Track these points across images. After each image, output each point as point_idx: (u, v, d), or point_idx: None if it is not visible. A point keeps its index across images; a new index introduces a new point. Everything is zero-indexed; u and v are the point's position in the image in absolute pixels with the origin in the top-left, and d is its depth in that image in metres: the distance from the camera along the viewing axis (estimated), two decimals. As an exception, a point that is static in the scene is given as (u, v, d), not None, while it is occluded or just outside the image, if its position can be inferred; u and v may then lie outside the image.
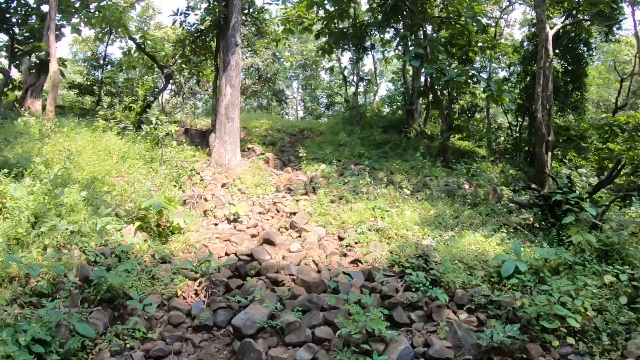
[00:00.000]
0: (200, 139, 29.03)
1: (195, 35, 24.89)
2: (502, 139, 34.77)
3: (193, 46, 25.83)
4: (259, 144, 27.65)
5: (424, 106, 32.87)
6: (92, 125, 21.47)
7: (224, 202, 17.17)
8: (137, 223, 13.35)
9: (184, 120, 32.87)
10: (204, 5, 24.62)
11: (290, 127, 32.65)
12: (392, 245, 13.50)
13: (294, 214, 15.97)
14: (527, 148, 30.87)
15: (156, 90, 32.88)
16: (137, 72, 36.02)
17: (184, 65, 28.82)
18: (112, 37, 37.05)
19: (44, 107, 27.33)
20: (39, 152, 16.34)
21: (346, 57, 43.64)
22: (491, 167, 25.67)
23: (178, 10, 24.38)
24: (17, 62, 29.42)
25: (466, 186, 20.59)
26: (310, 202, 17.06)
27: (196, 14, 24.90)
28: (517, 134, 32.55)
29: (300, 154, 23.41)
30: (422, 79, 31.96)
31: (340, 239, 14.46)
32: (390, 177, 21.07)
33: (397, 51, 41.08)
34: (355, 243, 13.93)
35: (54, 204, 12.55)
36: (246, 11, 26.12)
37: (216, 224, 15.63)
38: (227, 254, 13.34)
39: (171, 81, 31.56)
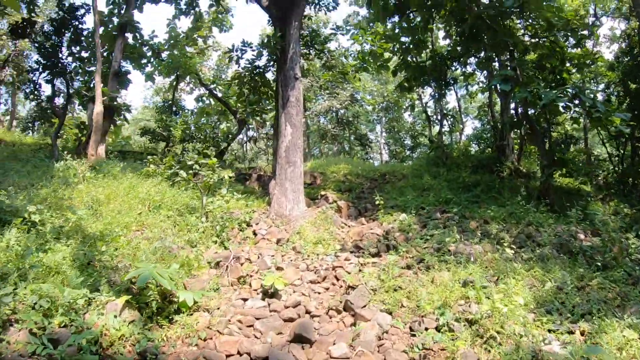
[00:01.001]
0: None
1: (253, 72, 21.32)
2: (605, 172, 29.22)
3: (252, 84, 22.28)
4: (333, 191, 23.78)
5: (516, 141, 28.06)
6: (140, 171, 18.08)
7: (268, 265, 13.31)
8: (124, 297, 9.63)
9: (261, 167, 29.16)
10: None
11: (370, 171, 28.52)
12: (494, 352, 8.79)
13: (353, 287, 11.77)
14: (636, 181, 25.40)
15: (230, 136, 29.82)
16: (211, 119, 33.20)
17: (256, 109, 25.34)
18: (188, 85, 34.52)
19: (109, 152, 25.12)
20: (62, 197, 13.92)
21: (427, 94, 39.22)
22: (602, 207, 20.54)
23: (234, 46, 21.00)
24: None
25: (581, 236, 15.71)
26: (378, 269, 12.74)
27: (253, 50, 21.47)
28: (621, 166, 26.97)
29: (377, 202, 19.18)
30: (513, 109, 27.36)
31: (412, 333, 9.91)
32: (484, 228, 16.56)
33: (481, 84, 36.86)
34: (434, 342, 9.21)
35: (28, 263, 9.61)
36: (308, 42, 22.37)
37: (245, 299, 11.67)
38: (239, 354, 9.37)
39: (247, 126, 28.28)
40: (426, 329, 9.68)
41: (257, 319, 10.52)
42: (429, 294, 10.76)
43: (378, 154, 53.01)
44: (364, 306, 10.79)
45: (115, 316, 9.11)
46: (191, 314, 10.24)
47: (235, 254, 13.62)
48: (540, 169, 21.49)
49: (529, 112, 21.31)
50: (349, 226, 18.01)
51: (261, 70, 21.83)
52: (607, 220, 17.82)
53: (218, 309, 10.87)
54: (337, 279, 12.80)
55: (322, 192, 22.91)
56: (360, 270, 12.90)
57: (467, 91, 38.73)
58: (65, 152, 22.03)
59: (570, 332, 9.37)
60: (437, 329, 9.69)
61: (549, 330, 9.36)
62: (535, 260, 13.09)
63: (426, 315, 10.03)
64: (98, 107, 20.46)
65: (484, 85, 35.96)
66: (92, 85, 26.11)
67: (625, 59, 27.05)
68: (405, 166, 31.15)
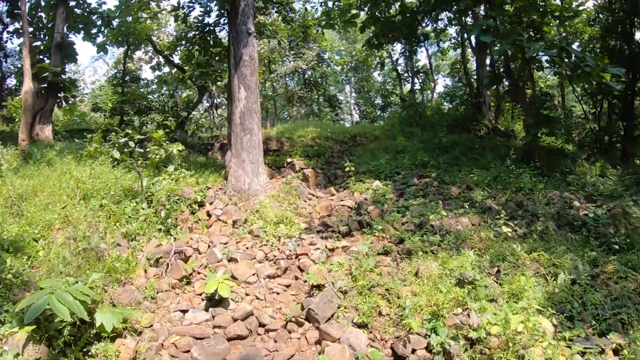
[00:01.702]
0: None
1: (203, 30, 18.52)
2: (580, 131, 26.99)
3: (202, 44, 19.50)
4: (301, 157, 21.28)
5: (492, 99, 25.69)
6: (79, 153, 15.35)
7: (219, 258, 10.96)
8: (27, 328, 7.01)
9: (225, 135, 26.48)
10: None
11: (340, 133, 25.91)
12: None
13: (317, 287, 9.23)
14: (612, 139, 23.29)
15: (191, 104, 27.03)
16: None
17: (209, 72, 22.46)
18: (147, 54, 31.50)
19: (56, 133, 22.23)
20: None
21: (397, 51, 36.49)
22: (588, 168, 18.32)
23: (179, 3, 18.12)
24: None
25: (576, 203, 13.46)
26: (349, 258, 10.17)
27: (201, 5, 18.56)
28: (597, 124, 24.79)
29: (347, 168, 16.75)
30: (489, 65, 24.96)
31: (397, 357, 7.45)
32: (467, 195, 14.32)
33: (453, 41, 34.38)
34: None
35: None
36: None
37: (185, 311, 9.05)
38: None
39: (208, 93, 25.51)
40: (413, 351, 7.20)
41: (198, 338, 8.08)
42: (415, 296, 8.30)
43: (349, 115, 50.26)
44: (331, 317, 8.27)
45: (17, 354, 6.63)
46: (114, 339, 7.78)
47: (177, 247, 11.07)
48: (524, 127, 19.12)
49: (511, 67, 18.88)
50: (317, 197, 15.63)
51: (211, 27, 19.02)
52: (596, 183, 15.68)
53: (151, 326, 8.41)
54: (301, 270, 10.43)
55: (289, 160, 20.43)
56: (327, 257, 10.59)
57: (438, 48, 36.11)
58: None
59: (602, 351, 7.05)
60: (429, 350, 7.24)
61: (579, 353, 6.94)
62: (535, 239, 10.77)
63: (412, 330, 7.46)
64: (26, 85, 17.59)
65: (456, 42, 33.63)
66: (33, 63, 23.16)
67: (605, 15, 24.77)
68: (377, 127, 28.57)
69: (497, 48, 18.65)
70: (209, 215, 13.64)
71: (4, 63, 28.79)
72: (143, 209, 12.34)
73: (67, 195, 11.99)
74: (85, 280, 8.11)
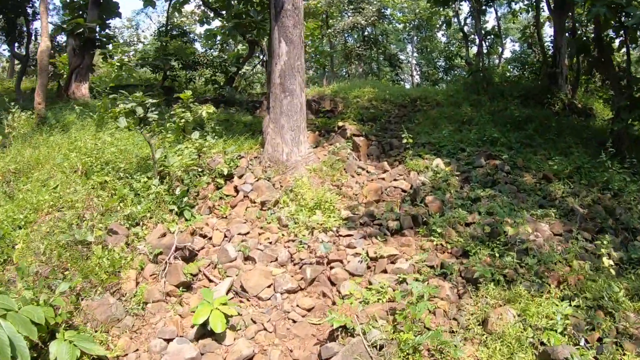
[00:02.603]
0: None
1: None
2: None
3: None
4: (354, 121, 18.54)
5: (570, 71, 22.26)
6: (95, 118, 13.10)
7: (232, 257, 8.65)
8: None
9: None
10: None
11: (399, 96, 23.00)
12: None
13: (347, 329, 6.43)
14: None
15: (240, 59, 24.45)
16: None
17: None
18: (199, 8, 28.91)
19: (96, 91, 20.21)
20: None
21: (465, 10, 32.86)
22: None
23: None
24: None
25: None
26: (394, 281, 7.62)
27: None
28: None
29: (404, 140, 14.02)
30: (570, 32, 21.47)
31: None
32: (544, 187, 11.60)
33: (526, 1, 30.53)
34: None
35: None
36: None
37: (169, 340, 6.64)
38: None
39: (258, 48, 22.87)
40: None
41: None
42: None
43: (409, 76, 46.84)
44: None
45: None
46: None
47: (179, 242, 8.70)
48: (613, 110, 15.84)
49: (602, 35, 15.63)
50: (367, 172, 13.02)
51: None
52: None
53: (125, 356, 6.10)
54: (332, 284, 7.94)
55: (340, 123, 17.76)
56: (368, 269, 8.11)
57: (509, 9, 32.31)
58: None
59: None
60: None
61: None
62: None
63: None
64: (43, 44, 15.34)
65: (530, 2, 29.87)
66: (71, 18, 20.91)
67: None
68: (440, 91, 25.43)
69: (583, 12, 15.43)
70: (237, 191, 11.24)
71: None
72: (154, 185, 9.98)
73: (62, 171, 9.74)
74: (49, 295, 5.84)
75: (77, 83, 20.21)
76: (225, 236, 9.53)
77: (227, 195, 11.22)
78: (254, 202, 10.69)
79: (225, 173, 11.38)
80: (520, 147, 14.53)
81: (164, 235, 8.92)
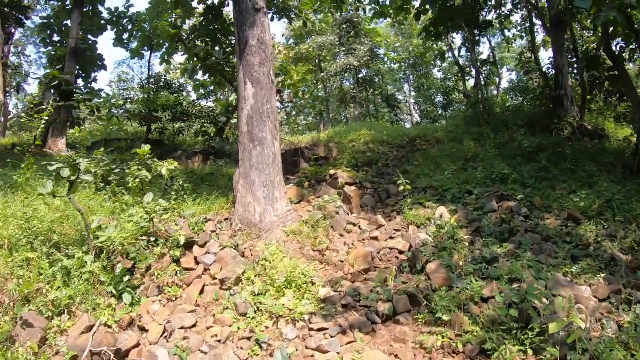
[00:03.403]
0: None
1: (209, 14, 13.85)
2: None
3: (208, 32, 14.81)
4: (347, 167, 16.24)
5: (575, 91, 19.90)
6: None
7: None
8: None
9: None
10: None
11: (397, 136, 20.73)
12: None
13: None
14: None
15: (230, 108, 22.44)
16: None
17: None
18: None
19: (71, 146, 18.18)
20: None
21: (457, 43, 30.74)
22: None
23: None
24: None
25: None
26: None
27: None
28: None
29: (401, 187, 11.65)
30: (572, 50, 19.26)
31: None
32: (575, 232, 9.08)
33: (519, 27, 28.52)
34: None
35: None
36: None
37: None
38: None
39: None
40: None
41: None
42: None
43: (408, 115, 44.63)
44: None
45: None
46: None
47: (94, 346, 6.25)
48: (637, 127, 13.40)
49: (611, 45, 13.36)
50: (358, 228, 10.62)
51: (215, 8, 14.19)
52: None
53: None
54: None
55: (331, 171, 15.46)
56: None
57: (503, 37, 30.29)
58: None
59: None
60: None
61: None
62: None
63: None
64: None
65: (523, 28, 27.82)
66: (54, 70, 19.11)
67: None
68: (439, 127, 23.09)
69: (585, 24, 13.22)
70: (197, 262, 8.89)
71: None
72: (88, 262, 7.65)
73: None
74: None
75: (54, 138, 18.41)
76: (165, 330, 7.14)
77: (185, 269, 8.87)
78: (215, 279, 8.34)
79: (182, 242, 9.02)
80: (535, 182, 12.11)
81: (89, 328, 6.57)
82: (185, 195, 11.18)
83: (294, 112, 41.94)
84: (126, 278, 7.78)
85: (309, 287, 7.69)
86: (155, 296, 8.10)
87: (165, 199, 10.23)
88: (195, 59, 17.08)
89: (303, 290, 7.61)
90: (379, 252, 9.01)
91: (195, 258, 8.95)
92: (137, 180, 9.95)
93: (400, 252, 8.95)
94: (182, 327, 7.10)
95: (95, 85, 20.98)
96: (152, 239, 8.99)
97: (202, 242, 9.38)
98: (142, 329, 7.24)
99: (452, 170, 13.76)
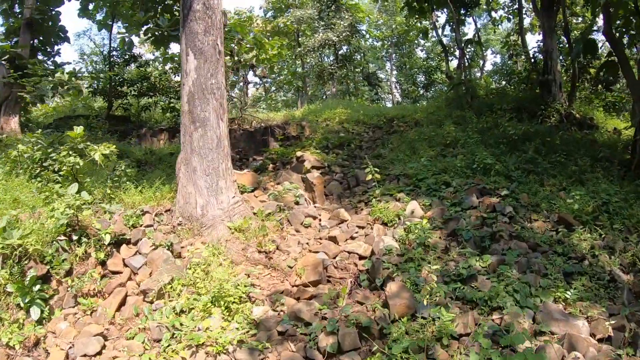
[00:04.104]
0: (245, 145, 16.88)
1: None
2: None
3: None
4: (317, 149, 14.52)
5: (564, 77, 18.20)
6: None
7: None
8: None
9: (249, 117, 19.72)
10: None
11: (375, 116, 19.01)
12: None
13: None
14: None
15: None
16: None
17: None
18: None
19: (25, 125, 16.28)
20: None
21: (442, 22, 28.73)
22: None
23: None
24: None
25: None
26: None
27: None
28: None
29: (368, 175, 9.89)
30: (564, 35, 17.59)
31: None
32: (568, 240, 7.46)
33: (507, 9, 26.63)
34: None
35: None
36: None
37: None
38: None
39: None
40: None
41: None
42: None
43: (389, 94, 42.65)
44: None
45: None
46: None
47: None
48: (636, 119, 11.70)
49: (612, 29, 11.67)
50: (319, 222, 8.94)
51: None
52: None
53: None
54: None
55: (298, 153, 13.73)
56: None
57: (489, 18, 28.40)
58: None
59: None
60: None
61: None
62: None
63: None
64: None
65: (511, 10, 25.98)
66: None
67: None
68: (419, 108, 21.28)
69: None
70: (125, 265, 7.19)
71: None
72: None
73: None
74: None
75: (6, 117, 16.24)
76: (68, 357, 5.49)
77: (113, 273, 7.17)
78: (138, 286, 6.70)
79: (107, 241, 7.27)
80: (522, 175, 10.46)
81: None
82: (127, 182, 9.40)
83: (273, 89, 39.91)
84: (37, 287, 6.08)
85: (242, 306, 5.97)
86: (71, 308, 6.48)
87: (104, 188, 8.53)
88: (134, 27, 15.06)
89: (235, 307, 5.89)
90: (335, 257, 7.30)
91: (124, 260, 7.26)
92: (66, 167, 8.18)
93: (361, 258, 7.27)
94: (85, 355, 5.44)
95: (58, 60, 18.65)
96: (75, 237, 7.25)
97: (135, 239, 7.67)
98: (47, 352, 5.62)
99: (429, 156, 12.10)
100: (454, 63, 27.03)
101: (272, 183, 10.75)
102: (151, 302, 6.39)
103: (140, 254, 7.40)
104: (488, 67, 37.76)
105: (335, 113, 19.15)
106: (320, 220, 9.04)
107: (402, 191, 9.88)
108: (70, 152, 8.57)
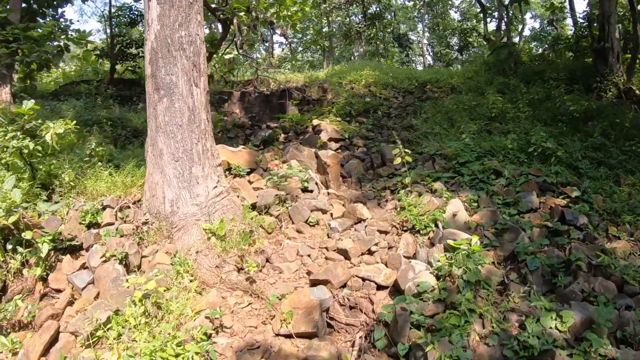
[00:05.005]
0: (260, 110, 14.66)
1: None
2: None
3: None
4: (336, 116, 12.12)
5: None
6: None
7: None
8: None
9: (264, 79, 17.37)
10: None
11: (406, 79, 16.37)
12: None
13: None
14: None
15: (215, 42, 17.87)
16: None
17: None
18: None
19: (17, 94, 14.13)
20: None
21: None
22: None
23: None
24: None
25: None
26: None
27: None
28: None
29: (397, 158, 7.42)
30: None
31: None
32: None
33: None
34: None
35: None
36: None
37: None
38: None
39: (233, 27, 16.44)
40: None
41: None
42: None
43: (420, 56, 39.25)
44: None
45: None
46: None
47: None
48: None
49: None
50: (328, 221, 6.56)
51: None
52: None
53: None
54: None
55: (315, 121, 11.34)
56: None
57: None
58: None
59: None
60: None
61: None
62: None
63: None
64: None
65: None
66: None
67: None
68: (455, 72, 18.47)
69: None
70: (58, 290, 5.19)
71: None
72: None
73: None
74: None
75: None
76: None
77: (57, 291, 5.14)
78: (86, 308, 4.68)
79: (44, 252, 5.16)
80: (591, 167, 7.95)
81: None
82: (99, 164, 7.17)
83: (300, 49, 36.98)
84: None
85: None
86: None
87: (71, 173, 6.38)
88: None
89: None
90: (344, 286, 4.99)
91: (84, 265, 5.34)
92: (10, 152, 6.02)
93: (380, 288, 4.97)
94: None
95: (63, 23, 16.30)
96: (9, 246, 5.13)
97: (87, 245, 5.51)
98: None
99: (471, 132, 9.61)
100: (492, 25, 23.95)
101: (277, 162, 8.38)
102: (83, 349, 4.26)
103: (86, 267, 5.28)
104: (526, 32, 34.31)
105: (361, 75, 16.60)
106: (330, 216, 6.70)
107: (439, 179, 7.50)
108: (21, 134, 6.40)
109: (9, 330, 4.83)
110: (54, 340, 4.61)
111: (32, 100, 6.64)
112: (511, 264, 5.27)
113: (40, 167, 6.57)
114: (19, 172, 6.29)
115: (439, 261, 4.83)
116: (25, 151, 6.21)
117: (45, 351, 4.51)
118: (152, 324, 4.19)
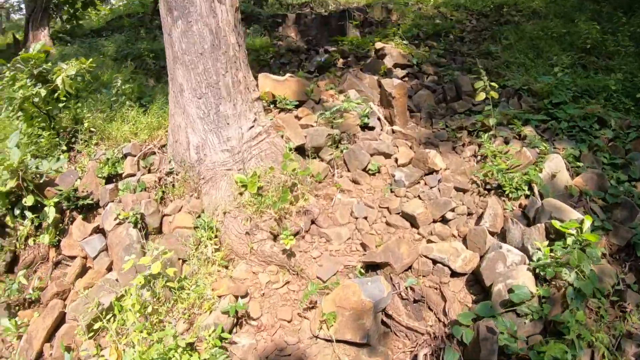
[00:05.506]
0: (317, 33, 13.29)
1: None
2: None
3: None
4: (402, 39, 10.50)
5: None
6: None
7: None
8: None
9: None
10: None
11: (480, 0, 14.32)
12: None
13: None
14: None
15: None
16: None
17: None
18: None
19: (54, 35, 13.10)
20: None
21: None
22: None
23: None
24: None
25: None
26: None
27: None
28: None
29: (480, 93, 5.95)
30: None
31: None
32: None
33: None
34: None
35: None
36: None
37: None
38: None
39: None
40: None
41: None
42: None
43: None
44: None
45: None
46: None
47: None
48: None
49: None
50: (392, 168, 5.27)
51: None
52: None
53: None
54: None
55: (378, 44, 9.78)
56: None
57: None
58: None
59: None
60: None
61: None
62: None
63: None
64: None
65: None
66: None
67: None
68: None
69: None
70: (97, 231, 4.48)
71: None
72: None
73: None
74: None
75: (34, 31, 13.85)
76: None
77: (71, 258, 4.28)
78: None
79: (51, 219, 4.29)
80: None
81: None
82: (128, 103, 6.06)
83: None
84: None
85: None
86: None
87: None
88: None
89: None
90: (408, 268, 3.77)
91: (97, 227, 4.57)
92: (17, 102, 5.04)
93: (455, 275, 3.75)
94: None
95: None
96: (17, 211, 4.24)
97: (104, 203, 4.71)
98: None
99: (564, 66, 7.90)
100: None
101: (332, 92, 7.00)
102: (87, 336, 3.33)
103: (98, 231, 4.31)
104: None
105: (433, -11, 14.64)
106: (396, 160, 5.41)
107: (529, 122, 6.03)
108: (32, 80, 5.34)
109: (17, 307, 4.02)
110: (60, 322, 3.79)
111: (42, 42, 5.65)
112: (628, 259, 3.89)
113: (63, 113, 5.60)
114: (35, 122, 5.34)
115: (539, 249, 3.51)
116: (37, 99, 5.19)
117: (50, 336, 3.73)
118: (153, 320, 3.16)
